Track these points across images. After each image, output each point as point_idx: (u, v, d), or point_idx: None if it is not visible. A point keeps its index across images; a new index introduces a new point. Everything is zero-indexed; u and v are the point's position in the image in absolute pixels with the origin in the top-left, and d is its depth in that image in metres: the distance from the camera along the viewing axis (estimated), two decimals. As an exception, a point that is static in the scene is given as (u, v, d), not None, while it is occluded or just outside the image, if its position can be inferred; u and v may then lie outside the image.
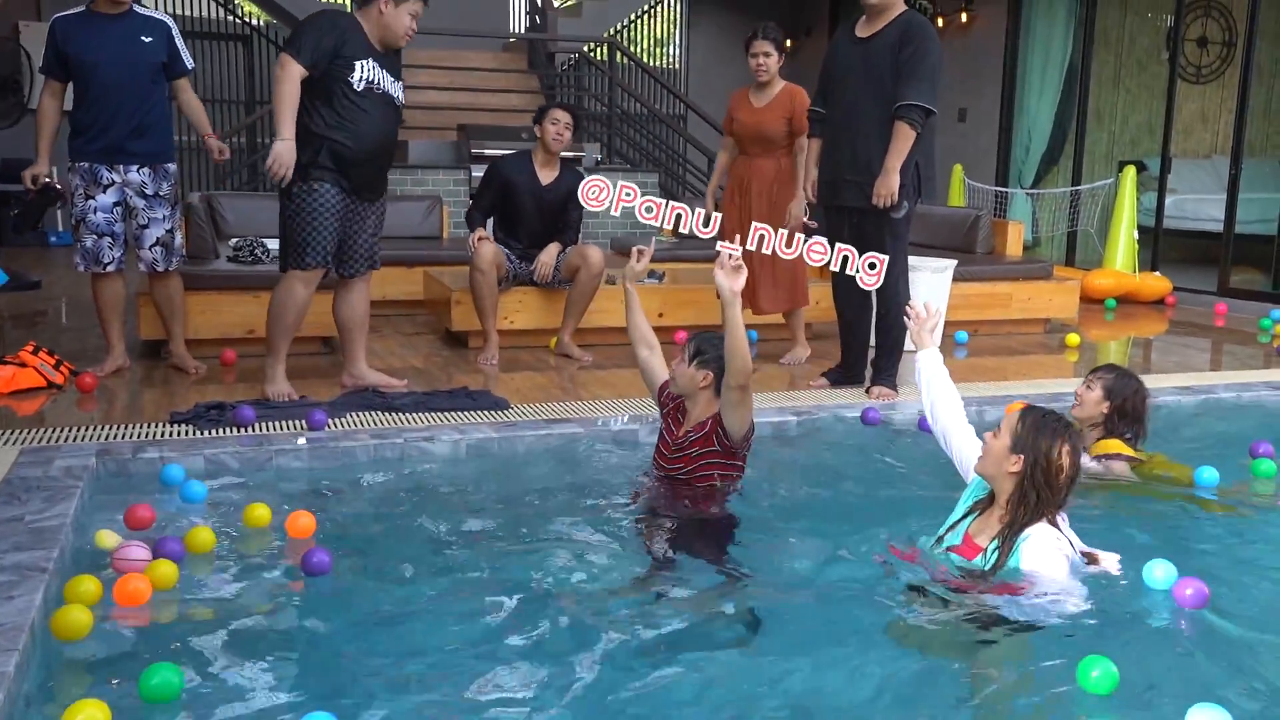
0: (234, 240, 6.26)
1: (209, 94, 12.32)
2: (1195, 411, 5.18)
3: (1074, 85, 10.19)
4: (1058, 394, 5.08)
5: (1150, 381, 4.18)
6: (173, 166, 5.13)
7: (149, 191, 5.02)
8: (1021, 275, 7.13)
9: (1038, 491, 2.85)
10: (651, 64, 14.48)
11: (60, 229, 11.37)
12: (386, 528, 3.42)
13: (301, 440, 4.01)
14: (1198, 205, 9.68)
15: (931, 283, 6.29)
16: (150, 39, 4.92)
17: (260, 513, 3.30)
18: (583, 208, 5.94)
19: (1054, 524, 2.90)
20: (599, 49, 12.30)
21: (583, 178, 5.95)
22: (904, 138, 4.72)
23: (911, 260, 6.44)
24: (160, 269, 5.13)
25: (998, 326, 7.08)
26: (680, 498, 3.57)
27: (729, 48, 13.74)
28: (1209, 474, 3.84)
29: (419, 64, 10.91)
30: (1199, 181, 10.09)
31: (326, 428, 4.23)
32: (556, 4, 12.73)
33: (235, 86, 12.39)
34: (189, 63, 5.14)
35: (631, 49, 14.09)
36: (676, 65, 14.28)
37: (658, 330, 4.04)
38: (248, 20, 12.53)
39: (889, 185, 4.73)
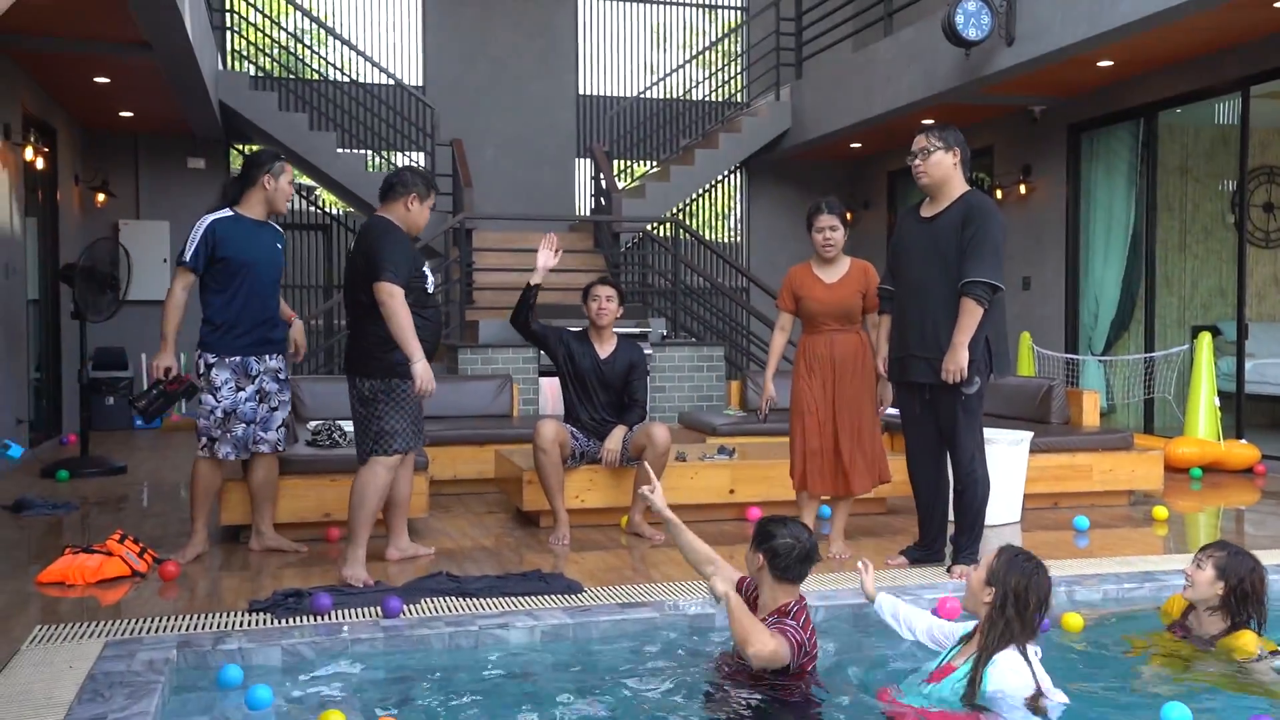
0: (313, 424, 6.40)
1: (292, 280, 12.88)
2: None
3: (1139, 251, 10.19)
4: (1150, 572, 4.95)
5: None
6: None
7: (281, 376, 5.30)
8: (1100, 446, 6.95)
9: (1007, 621, 3.26)
10: (713, 238, 14.86)
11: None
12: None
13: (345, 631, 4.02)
14: (1279, 369, 9.53)
15: (1008, 455, 6.21)
16: (279, 245, 5.34)
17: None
18: (646, 382, 6.04)
19: (1023, 652, 3.27)
20: (662, 227, 12.67)
21: (640, 349, 6.10)
22: (971, 314, 4.77)
23: (987, 433, 6.40)
24: (281, 449, 5.37)
25: (1079, 499, 6.88)
26: (761, 680, 3.51)
27: (789, 222, 14.09)
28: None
29: (488, 246, 11.27)
30: (1277, 345, 9.95)
31: (402, 614, 4.23)
32: (620, 186, 13.18)
33: (316, 272, 12.92)
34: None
35: (693, 225, 14.49)
36: (738, 239, 14.62)
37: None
38: (327, 210, 13.12)
39: (958, 361, 4.75)
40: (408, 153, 13.12)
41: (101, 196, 11.73)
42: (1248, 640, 3.76)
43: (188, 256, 5.04)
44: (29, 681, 3.50)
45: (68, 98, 10.33)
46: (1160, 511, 6.50)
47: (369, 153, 12.74)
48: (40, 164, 9.41)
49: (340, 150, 11.61)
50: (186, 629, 4.09)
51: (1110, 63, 9.11)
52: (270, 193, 5.14)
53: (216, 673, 3.64)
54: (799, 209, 14.32)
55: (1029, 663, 3.26)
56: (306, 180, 12.63)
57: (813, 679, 3.57)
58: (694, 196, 13.92)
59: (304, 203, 12.72)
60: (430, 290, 5.14)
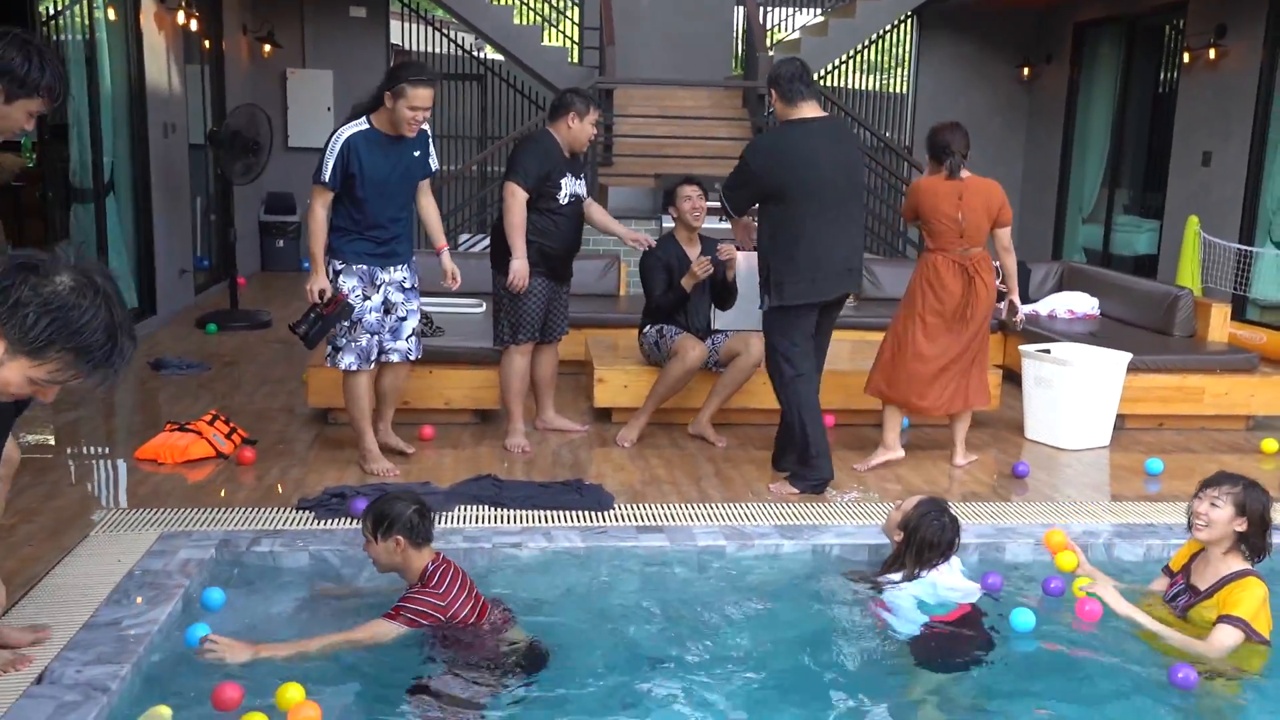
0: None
1: (446, 130, 13.12)
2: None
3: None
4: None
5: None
6: (415, 256, 5.37)
7: (407, 285, 5.25)
8: (1219, 367, 6.50)
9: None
10: (878, 90, 14.20)
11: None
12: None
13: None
14: None
15: (1089, 377, 5.96)
16: (419, 153, 5.17)
17: (292, 693, 3.14)
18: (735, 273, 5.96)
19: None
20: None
21: (717, 247, 5.99)
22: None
23: (1079, 350, 6.11)
24: (413, 357, 5.35)
25: (1187, 422, 6.53)
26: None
27: (963, 74, 13.32)
28: None
29: (631, 106, 11.11)
30: None
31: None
32: (770, 44, 12.66)
33: (470, 123, 13.10)
34: (435, 165, 5.34)
35: (854, 78, 13.87)
36: (902, 90, 13.91)
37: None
38: (483, 60, 13.18)
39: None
40: (554, 0, 12.95)
41: (268, 47, 12.14)
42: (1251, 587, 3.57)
43: (325, 176, 4.96)
44: (78, 574, 3.93)
45: (230, -48, 10.64)
46: (1270, 444, 6.07)
47: (516, 3, 12.64)
48: (196, 26, 9.78)
49: (491, 2, 11.56)
50: (238, 525, 4.46)
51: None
52: (391, 113, 4.95)
53: (271, 564, 4.04)
54: (975, 62, 13.55)
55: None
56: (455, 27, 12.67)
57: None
58: (855, 50, 13.25)
59: (459, 51, 12.84)
60: (562, 200, 5.54)
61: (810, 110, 5.00)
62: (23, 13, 6.86)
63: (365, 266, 5.09)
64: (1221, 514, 3.60)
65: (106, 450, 5.72)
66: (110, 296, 2.19)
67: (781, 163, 4.95)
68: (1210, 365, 6.51)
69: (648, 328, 6.01)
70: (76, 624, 3.47)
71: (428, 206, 5.40)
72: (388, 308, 5.20)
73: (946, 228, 5.36)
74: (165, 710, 3.04)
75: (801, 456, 5.17)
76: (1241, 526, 3.59)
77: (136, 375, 7.18)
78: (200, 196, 10.65)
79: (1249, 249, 9.57)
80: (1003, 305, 5.71)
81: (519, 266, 5.40)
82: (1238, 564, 3.63)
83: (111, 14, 8.30)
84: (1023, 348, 6.21)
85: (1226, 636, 3.50)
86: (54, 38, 7.63)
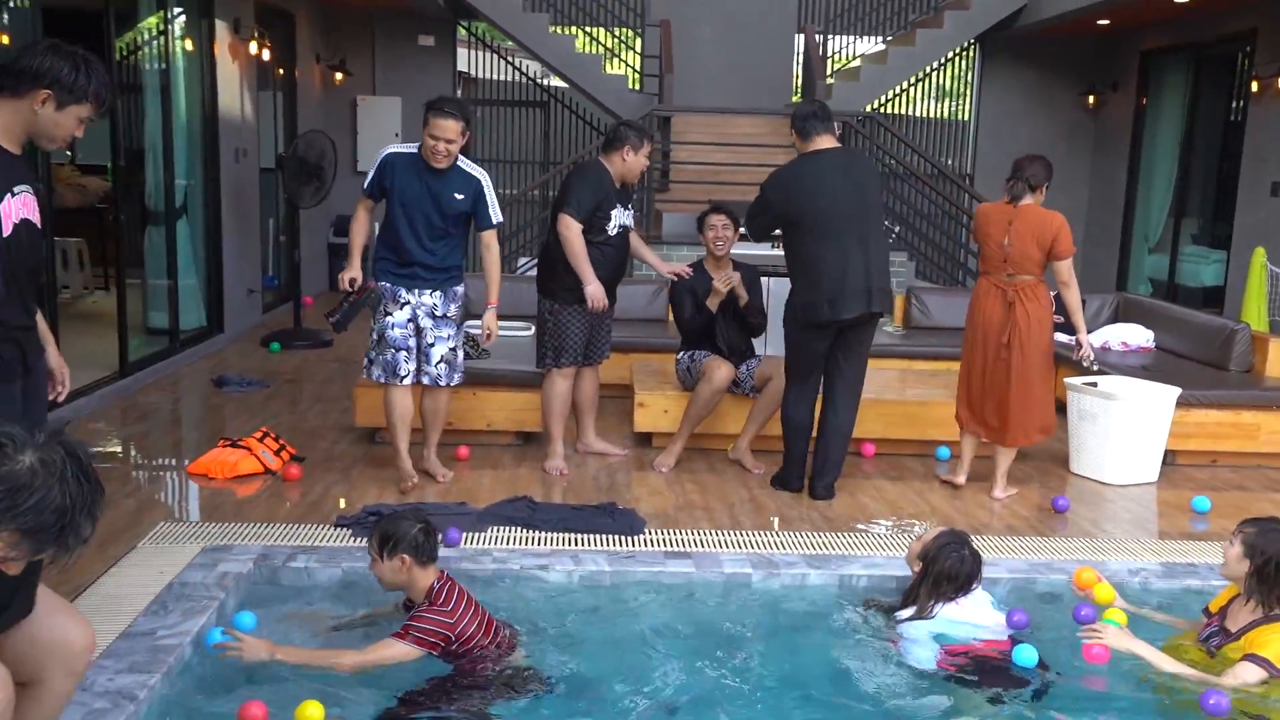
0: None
1: (510, 155, 13.34)
2: None
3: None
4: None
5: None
6: (460, 289, 5.43)
7: (438, 313, 5.32)
8: (1277, 403, 6.34)
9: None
10: (939, 117, 14.13)
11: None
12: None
13: None
14: None
15: (1137, 412, 5.89)
16: (462, 196, 5.25)
17: (312, 710, 3.18)
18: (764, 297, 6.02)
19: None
20: (871, 117, 12.14)
21: (756, 270, 6.04)
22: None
23: (1126, 384, 6.02)
24: (442, 384, 5.39)
25: (1241, 459, 6.38)
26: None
27: (1025, 102, 13.21)
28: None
29: (689, 134, 11.18)
30: None
31: (460, 545, 4.56)
32: (834, 69, 12.68)
33: (533, 148, 13.30)
34: (496, 217, 5.37)
35: (915, 107, 13.82)
36: (965, 118, 13.82)
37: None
38: (546, 88, 13.37)
39: None
40: (616, 30, 13.10)
41: (340, 75, 12.46)
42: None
43: (365, 185, 5.35)
44: (123, 584, 4.07)
45: (303, -17, 10.96)
46: (1323, 482, 5.95)
47: (579, 33, 12.81)
48: (269, 55, 10.08)
49: (552, 30, 11.74)
50: (278, 540, 4.59)
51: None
52: (425, 140, 5.13)
53: (304, 579, 4.14)
54: (1038, 90, 13.43)
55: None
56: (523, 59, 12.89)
57: None
58: (915, 78, 13.21)
59: (523, 78, 13.07)
60: (611, 232, 5.64)
61: (824, 143, 5.30)
62: (100, 44, 7.12)
63: (388, 284, 5.29)
64: (1233, 551, 3.57)
65: (164, 463, 5.91)
66: (68, 479, 2.17)
67: (794, 192, 5.28)
68: (1267, 401, 6.35)
69: (681, 354, 6.08)
70: (113, 633, 3.60)
71: (488, 259, 5.43)
72: (419, 329, 5.32)
73: (993, 252, 5.47)
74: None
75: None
76: (1247, 569, 3.54)
77: (200, 392, 7.43)
78: (272, 219, 10.95)
79: (1317, 281, 9.34)
80: (1070, 339, 5.69)
81: (594, 291, 5.50)
82: (1254, 614, 3.58)
83: (188, 44, 8.61)
84: (1068, 380, 6.14)
85: (1246, 673, 3.45)
86: (131, 66, 7.93)
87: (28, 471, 2.14)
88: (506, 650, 3.65)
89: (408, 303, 5.29)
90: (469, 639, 3.56)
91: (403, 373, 5.30)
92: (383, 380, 5.34)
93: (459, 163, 5.25)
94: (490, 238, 5.40)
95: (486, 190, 5.32)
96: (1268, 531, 3.56)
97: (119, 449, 6.06)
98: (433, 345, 5.34)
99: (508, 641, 3.68)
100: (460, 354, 5.49)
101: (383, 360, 5.31)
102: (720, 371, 5.80)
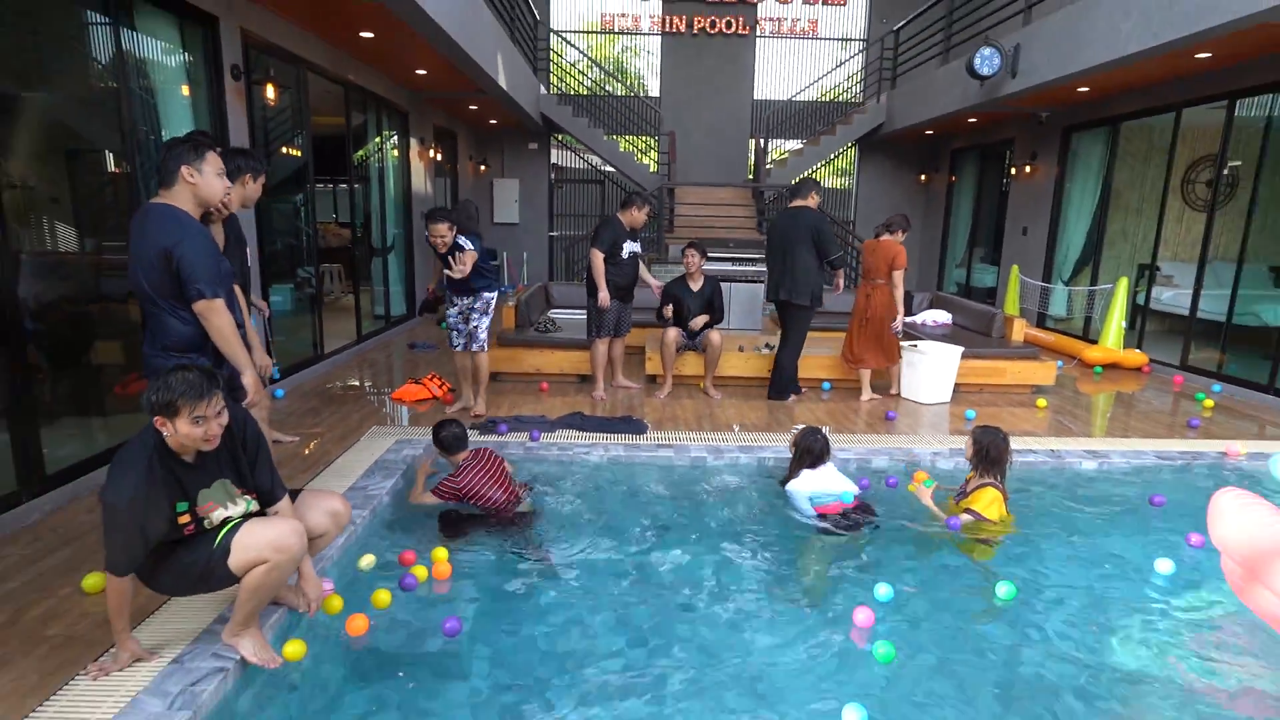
0: (540, 319, 6.68)
1: (579, 212, 13.17)
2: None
3: (1102, 212, 8.62)
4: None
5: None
6: (488, 295, 5.02)
7: (475, 305, 5.04)
8: (1017, 356, 6.22)
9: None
10: (834, 187, 13.80)
11: (506, 283, 12.66)
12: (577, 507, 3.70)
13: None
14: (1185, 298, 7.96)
15: (941, 359, 5.76)
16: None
17: (439, 552, 3.06)
18: (723, 298, 5.92)
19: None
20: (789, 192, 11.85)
21: (717, 281, 5.94)
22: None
23: (933, 346, 5.92)
24: (474, 349, 5.07)
25: (997, 389, 6.25)
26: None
27: (885, 181, 12.86)
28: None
29: (688, 197, 11.01)
30: (1187, 280, 8.20)
31: (540, 438, 4.55)
32: (771, 159, 12.40)
33: (592, 207, 13.16)
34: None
35: (826, 179, 13.48)
36: (848, 188, 13.50)
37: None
38: (602, 172, 13.21)
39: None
40: (643, 137, 12.87)
41: (483, 167, 12.37)
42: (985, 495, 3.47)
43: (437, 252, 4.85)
44: (350, 460, 4.12)
45: (461, 116, 10.85)
46: (1041, 402, 5.81)
47: (621, 139, 12.60)
48: (440, 157, 10.02)
49: (605, 137, 11.57)
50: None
51: (1086, 89, 7.55)
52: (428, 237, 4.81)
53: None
54: (892, 171, 13.01)
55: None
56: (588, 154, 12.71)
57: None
58: (819, 165, 12.90)
59: (588, 165, 12.90)
60: (624, 256, 5.42)
61: (796, 203, 5.36)
62: (344, 153, 7.12)
63: (449, 293, 5.04)
64: (968, 443, 3.58)
65: (379, 392, 5.90)
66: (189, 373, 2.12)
67: (771, 228, 5.40)
68: (1010, 354, 6.23)
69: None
70: (344, 487, 3.68)
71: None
72: (465, 319, 5.05)
73: (865, 268, 5.58)
74: (370, 557, 3.03)
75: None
76: (972, 450, 3.55)
77: (400, 351, 7.45)
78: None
79: (1047, 285, 9.12)
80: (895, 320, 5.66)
81: (604, 297, 5.42)
82: (984, 479, 3.56)
83: (395, 152, 8.58)
84: (902, 344, 6.05)
85: (965, 517, 3.48)
86: (364, 165, 7.93)
87: (162, 383, 2.13)
88: (514, 499, 3.54)
89: (455, 304, 5.06)
90: (474, 493, 3.47)
91: (455, 343, 5.08)
92: (458, 347, 5.09)
93: (458, 239, 4.86)
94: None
95: (467, 246, 4.85)
96: (986, 431, 3.54)
97: (356, 383, 6.07)
98: (476, 326, 5.02)
99: (515, 494, 3.57)
100: (482, 333, 5.01)
101: (453, 334, 5.09)
102: (668, 335, 5.70)
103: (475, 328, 5.05)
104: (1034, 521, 3.62)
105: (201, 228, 2.59)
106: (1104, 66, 6.48)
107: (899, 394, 5.88)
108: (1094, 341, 7.78)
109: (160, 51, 4.41)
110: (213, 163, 2.61)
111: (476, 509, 3.49)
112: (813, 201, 5.34)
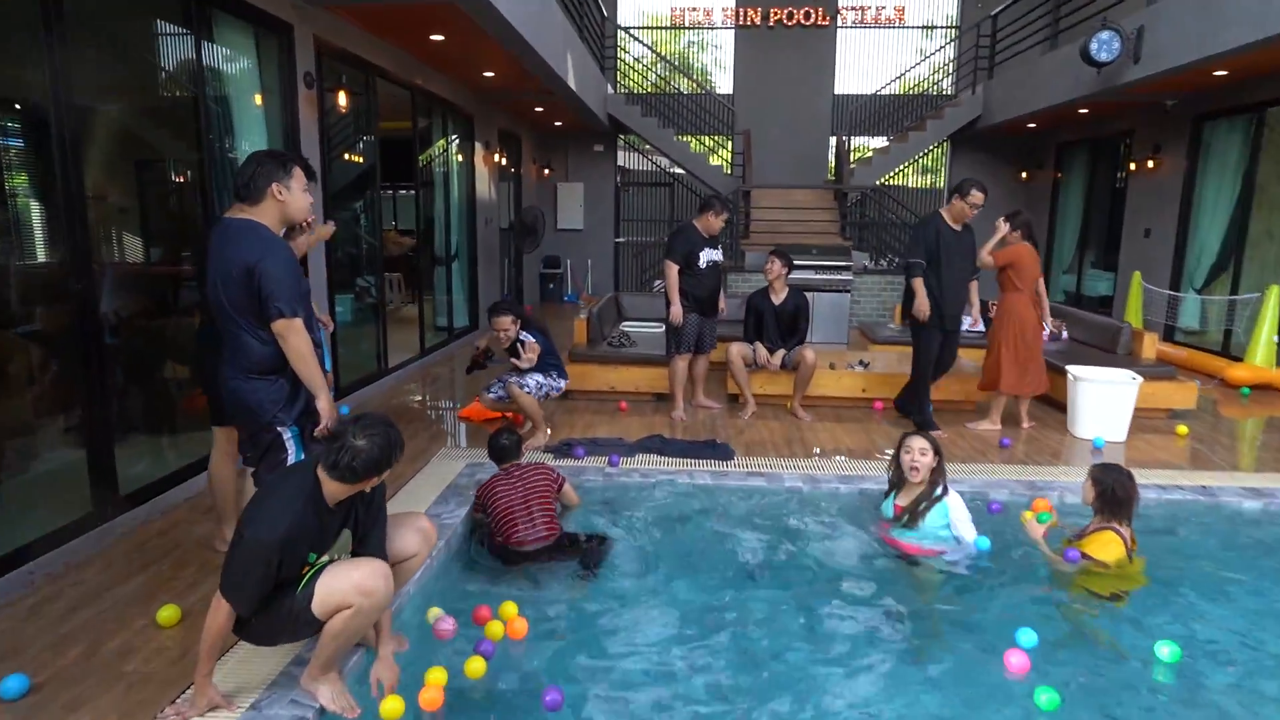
0: (613, 334, 6.58)
1: (648, 217, 13.12)
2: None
3: (1243, 212, 7.98)
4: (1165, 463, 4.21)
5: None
6: (550, 382, 4.89)
7: (534, 375, 4.86)
8: (1150, 375, 5.73)
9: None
10: (921, 187, 13.35)
11: (567, 293, 12.67)
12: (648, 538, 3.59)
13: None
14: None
15: (1119, 391, 5.18)
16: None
17: (509, 608, 2.85)
18: (808, 316, 5.71)
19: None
20: (879, 188, 11.52)
21: (803, 296, 5.73)
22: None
23: (1091, 372, 5.36)
24: (515, 385, 4.81)
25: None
26: None
27: (983, 179, 12.33)
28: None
29: (761, 204, 10.82)
30: None
31: (620, 464, 4.44)
32: (854, 158, 12.07)
33: (662, 212, 13.07)
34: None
35: (911, 178, 13.06)
36: (941, 189, 13.02)
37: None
38: (672, 174, 13.12)
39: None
40: (715, 137, 12.73)
41: (547, 171, 12.46)
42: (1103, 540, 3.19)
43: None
44: (421, 485, 4.09)
45: (525, 118, 10.94)
46: (1182, 429, 5.34)
47: (692, 139, 12.49)
48: (505, 162, 10.11)
49: (676, 137, 11.48)
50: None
51: (1224, 72, 6.99)
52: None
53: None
54: (988, 169, 12.50)
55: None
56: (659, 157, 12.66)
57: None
58: (906, 165, 12.49)
59: (657, 168, 12.82)
60: (702, 265, 5.29)
61: (943, 209, 5.16)
62: (411, 157, 7.23)
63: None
64: (1086, 484, 3.28)
65: (445, 409, 5.95)
66: (381, 438, 2.18)
67: (925, 235, 5.10)
68: (1142, 374, 5.74)
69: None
70: (416, 517, 3.62)
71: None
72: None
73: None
74: (436, 610, 2.85)
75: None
76: (1092, 494, 3.26)
77: (464, 365, 7.41)
78: (506, 259, 11.03)
79: (1175, 293, 8.48)
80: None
81: (675, 312, 5.28)
82: (1102, 522, 3.27)
83: (459, 156, 8.68)
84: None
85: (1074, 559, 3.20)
86: (428, 170, 8.05)
87: (365, 445, 2.16)
88: (542, 534, 3.34)
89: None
90: (495, 509, 3.39)
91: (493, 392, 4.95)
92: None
93: (521, 334, 4.80)
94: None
95: (528, 339, 4.77)
96: (1108, 470, 3.26)
97: (418, 400, 6.12)
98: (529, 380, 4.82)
99: (552, 529, 3.37)
100: (532, 382, 4.84)
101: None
102: (732, 349, 5.60)
103: (528, 380, 4.82)
104: (1186, 568, 3.28)
105: (285, 244, 2.57)
106: (1248, 47, 5.97)
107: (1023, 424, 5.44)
108: (1238, 358, 7.19)
109: (236, 61, 4.51)
110: (299, 179, 2.62)
111: (498, 534, 3.32)
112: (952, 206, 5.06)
